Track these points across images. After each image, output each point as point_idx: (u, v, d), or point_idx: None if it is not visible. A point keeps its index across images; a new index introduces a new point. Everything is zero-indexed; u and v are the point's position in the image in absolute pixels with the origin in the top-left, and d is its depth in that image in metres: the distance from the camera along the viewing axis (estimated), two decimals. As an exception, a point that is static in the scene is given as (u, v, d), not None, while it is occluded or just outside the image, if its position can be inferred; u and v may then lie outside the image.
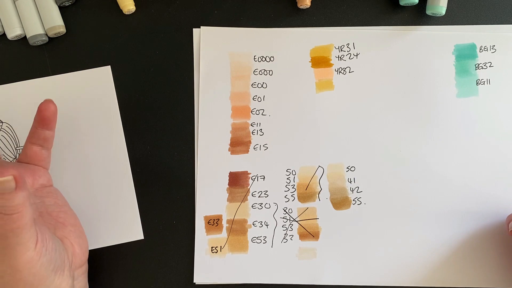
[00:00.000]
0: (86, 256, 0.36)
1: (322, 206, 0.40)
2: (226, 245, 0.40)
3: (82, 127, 0.41)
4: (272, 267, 0.39)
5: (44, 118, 0.36)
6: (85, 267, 0.37)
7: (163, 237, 0.40)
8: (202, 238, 0.40)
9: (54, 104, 0.37)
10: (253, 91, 0.41)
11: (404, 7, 0.42)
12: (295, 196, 0.40)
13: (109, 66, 0.41)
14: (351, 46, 0.41)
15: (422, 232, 0.39)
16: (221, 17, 0.42)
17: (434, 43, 0.41)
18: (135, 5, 0.41)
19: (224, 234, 0.40)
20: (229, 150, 0.41)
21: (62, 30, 0.41)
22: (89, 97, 0.41)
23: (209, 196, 0.40)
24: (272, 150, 0.41)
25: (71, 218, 0.36)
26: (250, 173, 0.40)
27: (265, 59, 0.41)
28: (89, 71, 0.41)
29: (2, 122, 0.41)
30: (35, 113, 0.36)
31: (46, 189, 0.37)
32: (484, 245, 0.39)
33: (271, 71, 0.41)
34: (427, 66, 0.41)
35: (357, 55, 0.41)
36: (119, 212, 0.40)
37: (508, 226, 0.37)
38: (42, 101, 0.36)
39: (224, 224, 0.40)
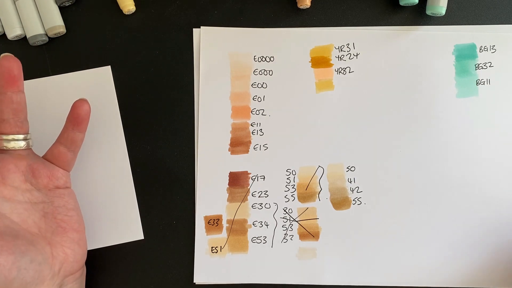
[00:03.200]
0: (80, 263, 0.36)
1: (322, 206, 0.40)
2: (226, 245, 0.40)
3: (82, 127, 0.41)
4: (272, 267, 0.39)
5: (78, 116, 0.36)
6: (79, 273, 0.36)
7: (163, 237, 0.40)
8: (202, 238, 0.40)
9: (89, 104, 0.36)
10: (253, 91, 0.41)
11: (404, 7, 0.42)
12: (295, 196, 0.40)
13: (109, 66, 0.41)
14: (351, 46, 0.41)
15: (421, 232, 0.39)
16: (221, 17, 0.42)
17: (434, 43, 0.41)
18: (135, 5, 0.41)
19: (224, 234, 0.40)
20: (229, 150, 0.41)
21: (62, 30, 0.41)
22: (89, 97, 0.40)
23: (209, 196, 0.40)
24: (272, 150, 0.41)
25: (75, 223, 0.35)
26: (250, 173, 0.40)
27: (265, 59, 0.41)
28: (89, 71, 0.41)
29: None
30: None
31: (59, 191, 0.36)
32: (484, 245, 0.39)
33: (271, 71, 0.41)
34: (427, 66, 0.41)
35: (357, 55, 0.41)
36: (119, 212, 0.40)
37: None
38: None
39: (224, 224, 0.40)
